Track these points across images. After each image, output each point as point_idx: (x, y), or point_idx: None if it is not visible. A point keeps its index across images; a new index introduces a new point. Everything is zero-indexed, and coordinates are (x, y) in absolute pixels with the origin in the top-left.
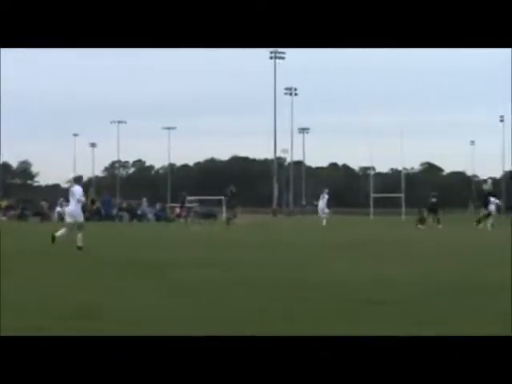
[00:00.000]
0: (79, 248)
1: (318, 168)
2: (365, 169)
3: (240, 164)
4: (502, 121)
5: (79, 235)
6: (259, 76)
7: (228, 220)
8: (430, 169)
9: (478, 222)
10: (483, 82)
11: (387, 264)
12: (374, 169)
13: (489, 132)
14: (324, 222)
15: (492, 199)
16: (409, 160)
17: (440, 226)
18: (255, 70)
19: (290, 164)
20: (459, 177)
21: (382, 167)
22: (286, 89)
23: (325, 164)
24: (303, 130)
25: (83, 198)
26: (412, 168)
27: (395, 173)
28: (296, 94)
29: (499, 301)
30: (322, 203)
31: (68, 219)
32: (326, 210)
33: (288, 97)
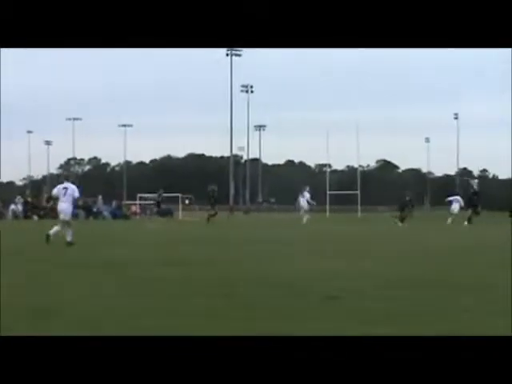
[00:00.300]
0: (69, 243)
1: (274, 165)
2: (321, 166)
3: (196, 161)
4: (456, 118)
5: (66, 231)
6: (215, 73)
7: (208, 218)
8: (386, 166)
9: (469, 220)
10: (437, 79)
11: (344, 260)
12: (330, 166)
13: (443, 129)
14: (304, 220)
15: (457, 197)
16: (365, 157)
17: (405, 225)
18: (211, 67)
19: (246, 161)
20: (414, 174)
21: (339, 164)
22: (243, 86)
23: (281, 161)
24: (259, 128)
25: (78, 195)
26: (368, 165)
27: (351, 170)
28: (252, 92)
29: (462, 298)
30: (302, 201)
31: (62, 216)
32: (306, 208)
33: (244, 94)
